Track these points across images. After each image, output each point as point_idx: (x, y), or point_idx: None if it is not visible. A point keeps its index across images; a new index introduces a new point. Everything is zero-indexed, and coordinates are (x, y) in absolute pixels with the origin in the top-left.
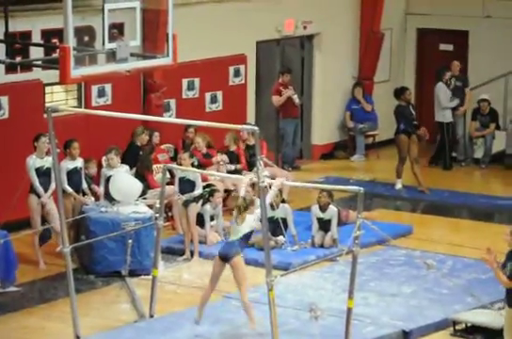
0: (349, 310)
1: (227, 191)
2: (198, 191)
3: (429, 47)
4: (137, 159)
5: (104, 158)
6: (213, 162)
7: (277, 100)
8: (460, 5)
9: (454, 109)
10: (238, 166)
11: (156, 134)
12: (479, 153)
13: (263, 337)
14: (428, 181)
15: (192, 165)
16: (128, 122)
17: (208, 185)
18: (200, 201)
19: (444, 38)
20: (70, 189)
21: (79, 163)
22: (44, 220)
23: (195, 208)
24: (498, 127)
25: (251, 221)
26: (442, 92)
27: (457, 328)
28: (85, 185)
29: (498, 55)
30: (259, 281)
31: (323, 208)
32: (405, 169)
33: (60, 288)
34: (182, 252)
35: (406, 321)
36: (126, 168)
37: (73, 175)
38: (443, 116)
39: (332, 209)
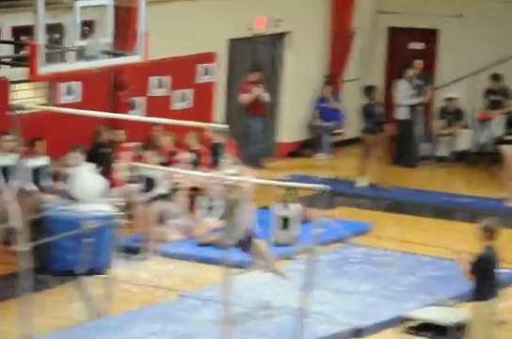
0: (304, 308)
1: (194, 189)
2: (159, 189)
3: (400, 46)
4: (101, 157)
5: (68, 156)
6: (178, 160)
7: (244, 98)
8: (431, 4)
9: (415, 107)
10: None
11: (120, 132)
12: (444, 152)
13: (217, 335)
14: (393, 179)
15: (157, 163)
16: (96, 120)
17: (173, 182)
18: (162, 200)
19: (415, 36)
20: (34, 187)
21: (43, 161)
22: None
23: (157, 206)
24: (464, 126)
25: None
26: (399, 90)
27: (410, 325)
28: (47, 184)
29: (468, 54)
30: (216, 279)
31: (286, 206)
32: (369, 167)
33: (16, 287)
34: (141, 251)
35: (360, 319)
36: (90, 166)
37: (37, 173)
38: (399, 113)
39: (295, 207)
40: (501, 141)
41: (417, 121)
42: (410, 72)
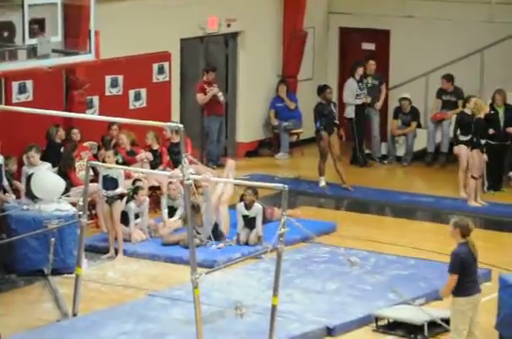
0: (274, 307)
1: (152, 188)
2: (120, 189)
3: (352, 46)
4: (58, 156)
5: (24, 156)
6: (137, 159)
7: (201, 98)
8: (382, 4)
9: (370, 107)
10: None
11: (75, 131)
12: (401, 151)
13: (187, 335)
14: (351, 178)
15: (116, 162)
16: (50, 119)
17: (135, 181)
18: (125, 199)
19: (366, 37)
20: None
21: (0, 161)
22: None
23: (119, 206)
24: (419, 125)
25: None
26: (347, 89)
27: (380, 323)
28: (5, 183)
29: (419, 54)
30: (184, 278)
31: (248, 206)
32: (328, 166)
33: None
34: (106, 250)
35: (329, 318)
36: (48, 165)
37: None
38: (346, 112)
39: (257, 207)
40: (457, 142)
41: (368, 119)
42: (359, 72)
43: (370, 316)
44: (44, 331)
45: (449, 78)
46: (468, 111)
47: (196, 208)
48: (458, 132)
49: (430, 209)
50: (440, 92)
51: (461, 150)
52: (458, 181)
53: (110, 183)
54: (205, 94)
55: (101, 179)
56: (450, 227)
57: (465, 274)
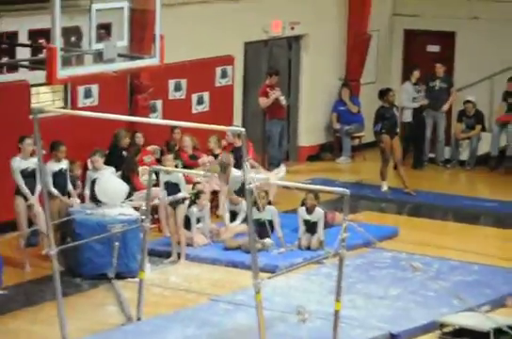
0: (336, 312)
1: (213, 192)
2: (181, 194)
3: (416, 48)
4: (121, 161)
5: (89, 160)
6: (199, 163)
7: (264, 101)
8: (447, 6)
9: (436, 110)
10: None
11: (139, 135)
12: (464, 155)
13: None
14: (414, 183)
15: (176, 167)
16: (114, 124)
17: (195, 185)
18: (187, 203)
19: (431, 39)
20: (55, 191)
21: (64, 165)
22: (31, 223)
23: (183, 210)
24: (483, 129)
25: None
26: (404, 92)
27: (445, 330)
28: (70, 187)
29: (484, 56)
30: (246, 283)
31: (309, 210)
32: (390, 170)
33: (47, 291)
34: (168, 255)
35: (393, 324)
36: (111, 169)
37: (59, 177)
38: (403, 116)
39: (319, 211)
40: None
41: (440, 124)
42: (416, 75)
43: (434, 323)
44: (109, 336)
45: None
46: None
47: (225, 167)
48: None
49: (494, 214)
50: (506, 95)
51: None
52: None
53: (172, 188)
54: (268, 98)
55: (162, 184)
56: None
57: None
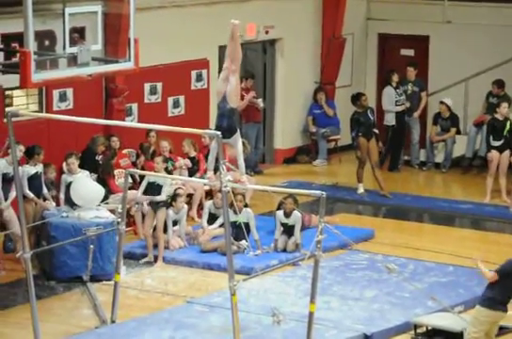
0: (311, 314)
1: (189, 196)
2: (160, 196)
3: (390, 52)
4: (95, 165)
5: (64, 163)
6: (176, 167)
7: (239, 105)
8: (421, 10)
9: (408, 114)
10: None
11: (115, 138)
12: (440, 158)
13: None
14: (390, 185)
15: (166, 169)
16: (89, 127)
17: (177, 189)
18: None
19: (405, 43)
20: (31, 194)
21: (39, 168)
22: (4, 227)
23: (163, 213)
24: (458, 132)
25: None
26: (386, 96)
27: (418, 331)
28: (45, 191)
29: (458, 60)
30: (221, 285)
31: (287, 213)
32: (366, 173)
33: (20, 294)
34: (144, 257)
35: (367, 325)
36: (86, 173)
37: (34, 180)
38: (386, 119)
39: (296, 214)
40: (488, 147)
41: (414, 127)
42: (395, 79)
43: (408, 324)
44: (83, 338)
45: (500, 84)
46: (499, 117)
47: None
48: (491, 137)
49: (469, 216)
50: (489, 95)
51: (493, 155)
52: (486, 186)
53: (156, 190)
54: (243, 101)
55: (144, 184)
56: None
57: (503, 291)
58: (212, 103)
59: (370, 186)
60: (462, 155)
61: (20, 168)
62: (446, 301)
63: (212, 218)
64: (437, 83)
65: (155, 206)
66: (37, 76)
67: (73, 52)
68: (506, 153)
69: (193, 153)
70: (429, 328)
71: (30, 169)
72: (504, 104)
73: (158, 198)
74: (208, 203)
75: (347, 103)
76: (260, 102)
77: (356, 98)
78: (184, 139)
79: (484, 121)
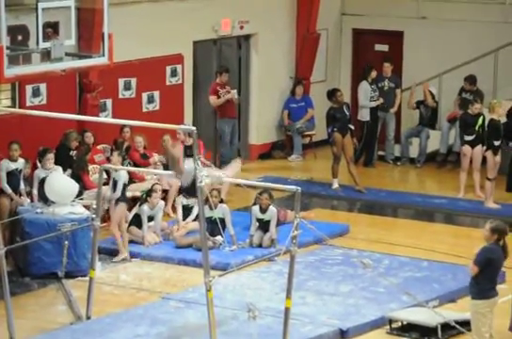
0: (287, 309)
1: (164, 191)
2: (116, 193)
3: (365, 47)
4: (68, 160)
5: (42, 159)
6: (150, 162)
7: (215, 101)
8: (395, 6)
9: (385, 110)
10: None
11: (89, 134)
12: (414, 153)
13: (201, 338)
14: (365, 180)
15: (122, 165)
16: (63, 123)
17: (154, 185)
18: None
19: (380, 38)
20: (9, 189)
21: (20, 164)
22: None
23: (122, 208)
24: (433, 127)
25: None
26: (362, 92)
27: (393, 326)
28: (22, 187)
29: (432, 55)
30: (197, 281)
31: (263, 209)
32: (341, 168)
33: None
34: (117, 253)
35: (343, 320)
36: (60, 169)
37: (13, 176)
38: (361, 115)
39: (272, 210)
40: (461, 142)
41: (384, 122)
42: (372, 75)
43: (383, 319)
44: (58, 334)
45: (472, 80)
46: (471, 112)
47: (175, 160)
48: (463, 132)
49: (443, 211)
50: (461, 91)
51: (465, 150)
52: (460, 181)
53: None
54: (218, 96)
55: (111, 182)
56: (486, 231)
57: (491, 276)
58: (186, 98)
59: (345, 182)
60: (436, 150)
61: None
62: (421, 296)
63: (185, 210)
64: (410, 78)
65: (122, 202)
66: (10, 71)
67: (47, 47)
68: (479, 147)
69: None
70: (404, 322)
71: (9, 164)
72: (477, 106)
73: (114, 195)
74: (179, 197)
75: (322, 98)
76: (235, 92)
77: (331, 94)
78: (159, 135)
79: (457, 116)
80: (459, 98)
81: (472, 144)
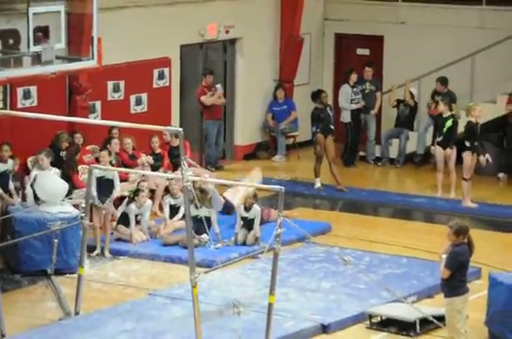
0: (270, 305)
1: (151, 191)
2: (116, 191)
3: (347, 51)
4: (60, 160)
5: (29, 159)
6: (138, 163)
7: (208, 99)
8: (375, 11)
9: (365, 112)
10: None
11: (78, 135)
12: (394, 154)
13: (187, 333)
14: (346, 180)
15: (110, 163)
16: (54, 124)
17: (140, 182)
18: (125, 201)
19: (361, 42)
20: (0, 190)
21: (9, 165)
22: None
23: (111, 207)
24: (411, 128)
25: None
26: (342, 94)
27: (373, 321)
28: (11, 186)
29: (411, 59)
30: (183, 278)
31: (247, 208)
32: (323, 168)
33: None
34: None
35: (324, 315)
36: (56, 170)
37: (3, 177)
38: (342, 117)
39: (256, 208)
40: (433, 143)
41: (365, 124)
42: (353, 78)
43: (364, 314)
44: (47, 330)
45: (443, 81)
46: (444, 114)
47: (203, 192)
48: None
49: (422, 209)
50: (434, 94)
51: (436, 151)
52: (437, 181)
53: (105, 184)
54: (209, 96)
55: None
56: (451, 236)
57: (461, 274)
58: (173, 100)
59: (327, 181)
60: (415, 151)
61: None
62: (400, 292)
63: (172, 209)
64: (391, 81)
65: (110, 201)
66: (1, 74)
67: (37, 50)
68: (448, 149)
69: (158, 150)
70: (383, 318)
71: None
72: (440, 107)
73: (115, 195)
74: (166, 197)
75: (306, 100)
76: (219, 88)
77: (316, 95)
78: (146, 136)
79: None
80: (433, 101)
81: (441, 145)
